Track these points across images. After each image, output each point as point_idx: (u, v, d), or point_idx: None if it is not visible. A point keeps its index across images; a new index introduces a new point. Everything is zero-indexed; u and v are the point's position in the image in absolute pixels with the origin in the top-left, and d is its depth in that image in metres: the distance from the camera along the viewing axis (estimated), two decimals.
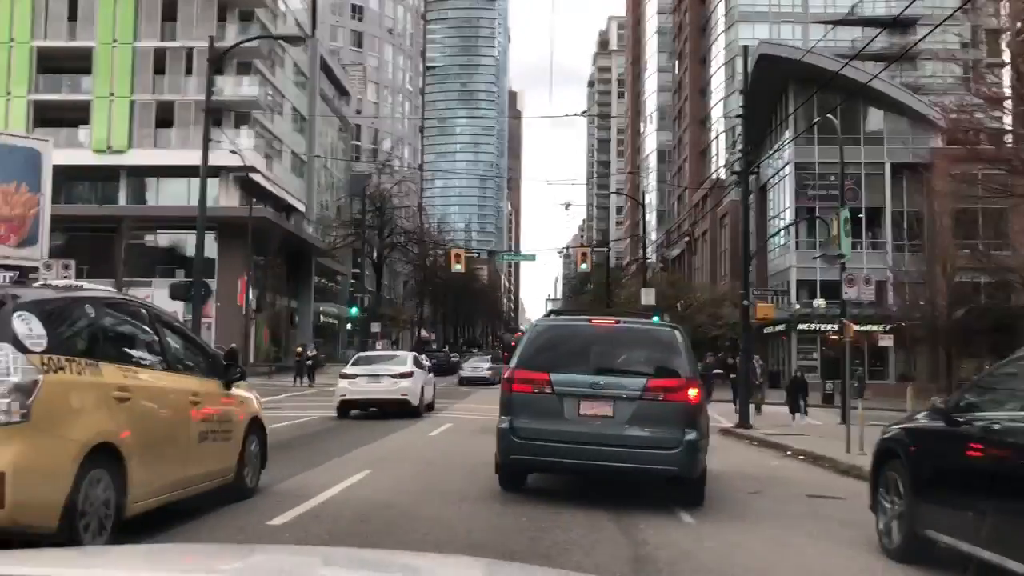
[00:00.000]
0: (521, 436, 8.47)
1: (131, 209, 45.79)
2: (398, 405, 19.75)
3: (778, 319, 42.24)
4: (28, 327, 5.17)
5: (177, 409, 6.79)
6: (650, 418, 8.30)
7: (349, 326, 54.70)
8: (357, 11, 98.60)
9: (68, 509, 5.11)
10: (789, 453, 15.95)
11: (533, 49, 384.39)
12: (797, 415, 23.69)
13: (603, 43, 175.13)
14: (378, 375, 20.13)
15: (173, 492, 6.64)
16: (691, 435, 8.23)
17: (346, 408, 19.98)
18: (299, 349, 37.78)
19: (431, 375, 24.62)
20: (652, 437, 8.25)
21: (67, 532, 5.07)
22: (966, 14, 69.85)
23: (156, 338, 6.84)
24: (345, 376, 20.39)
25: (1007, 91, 32.89)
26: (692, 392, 8.45)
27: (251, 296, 44.49)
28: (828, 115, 39.83)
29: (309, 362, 35.69)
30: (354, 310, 44.89)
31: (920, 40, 63.12)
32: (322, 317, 64.39)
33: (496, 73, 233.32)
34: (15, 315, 5.16)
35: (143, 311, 6.94)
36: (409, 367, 20.77)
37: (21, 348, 5.03)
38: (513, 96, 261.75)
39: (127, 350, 6.45)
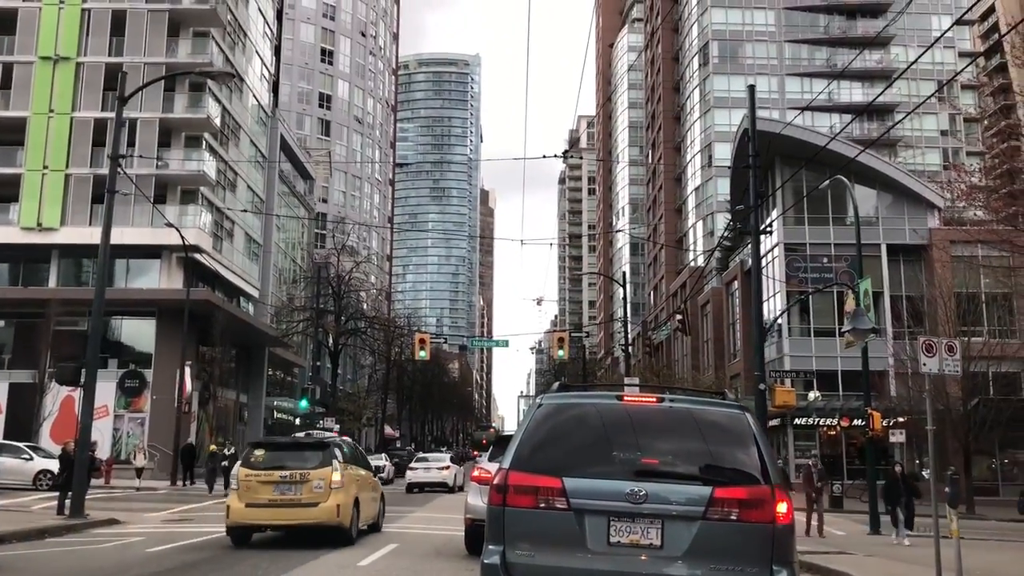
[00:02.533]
0: None
1: (59, 292, 41.44)
2: (441, 485, 30.27)
3: (772, 412, 38.44)
4: (337, 452, 14.50)
5: (368, 483, 16.25)
6: (720, 548, 5.52)
7: (298, 421, 50.13)
8: (325, 100, 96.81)
9: (350, 520, 14.05)
10: None
11: (505, 148, 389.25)
12: (899, 528, 19.23)
13: (574, 142, 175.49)
14: (429, 468, 31.07)
15: (368, 521, 15.81)
16: (783, 575, 5.51)
17: (412, 488, 32.31)
18: (212, 448, 32.46)
19: (459, 466, 34.36)
20: None
21: (350, 529, 14.11)
22: (941, 102, 69.64)
23: (356, 454, 16.87)
24: (412, 469, 33.43)
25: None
26: (781, 507, 5.61)
27: (192, 388, 40.04)
28: (818, 188, 36.88)
29: (225, 463, 30.44)
30: (303, 403, 40.37)
31: (896, 124, 62.25)
32: (276, 413, 59.57)
33: (468, 171, 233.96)
34: (335, 448, 14.67)
35: (350, 442, 17.67)
36: (447, 463, 31.80)
37: (338, 459, 14.27)
38: (485, 194, 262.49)
39: (353, 459, 15.74)
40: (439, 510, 23.73)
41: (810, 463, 22.49)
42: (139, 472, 31.73)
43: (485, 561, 5.71)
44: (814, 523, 20.21)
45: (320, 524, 13.65)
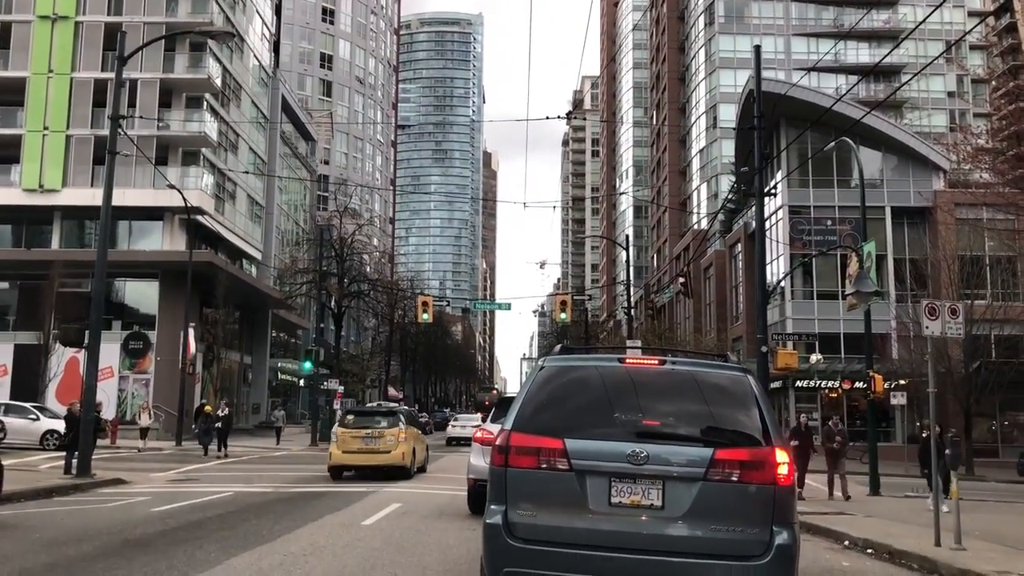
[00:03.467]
0: (522, 537, 5.59)
1: (62, 253, 41.43)
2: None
3: (773, 375, 38.54)
4: (401, 416, 21.54)
5: (420, 438, 22.97)
6: (721, 509, 5.51)
7: (302, 383, 50.26)
8: (326, 60, 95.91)
9: (410, 462, 20.55)
10: (848, 544, 11.94)
11: (508, 110, 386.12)
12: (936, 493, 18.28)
13: (577, 103, 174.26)
14: (464, 426, 31.26)
15: (421, 464, 22.21)
16: (783, 536, 5.47)
17: (451, 442, 35.85)
18: (207, 408, 31.82)
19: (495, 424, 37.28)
20: (724, 540, 5.47)
21: (411, 469, 20.51)
22: (949, 63, 68.88)
23: (412, 417, 26.39)
24: (451, 426, 40.16)
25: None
26: (782, 468, 5.58)
27: (196, 350, 40.20)
28: (824, 149, 36.64)
29: (218, 424, 29.93)
30: (307, 365, 40.40)
31: (902, 86, 61.60)
32: (280, 374, 59.88)
33: (471, 133, 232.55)
34: (400, 414, 21.93)
35: (407, 409, 28.77)
36: (478, 422, 29.53)
37: (402, 422, 21.03)
38: (488, 156, 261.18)
39: (411, 421, 22.89)
40: (442, 470, 23.92)
41: (830, 422, 21.52)
42: (144, 432, 31.77)
43: (487, 521, 5.72)
44: (837, 488, 19.50)
45: (391, 465, 20.01)
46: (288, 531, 11.04)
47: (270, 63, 61.18)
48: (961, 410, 34.90)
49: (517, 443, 5.73)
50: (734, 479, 5.51)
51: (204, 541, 10.07)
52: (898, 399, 33.14)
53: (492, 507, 5.73)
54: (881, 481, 22.07)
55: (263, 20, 58.99)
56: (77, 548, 9.53)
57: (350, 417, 21.66)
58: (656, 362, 6.17)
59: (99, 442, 27.15)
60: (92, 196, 41.66)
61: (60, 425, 24.45)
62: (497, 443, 5.89)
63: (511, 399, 8.69)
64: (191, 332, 37.82)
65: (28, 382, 37.56)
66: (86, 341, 19.08)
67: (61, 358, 35.49)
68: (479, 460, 12.59)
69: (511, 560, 5.57)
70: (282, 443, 37.74)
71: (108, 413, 34.49)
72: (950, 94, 70.24)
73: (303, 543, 10.05)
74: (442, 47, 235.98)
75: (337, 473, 20.14)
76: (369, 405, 26.54)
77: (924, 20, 21.56)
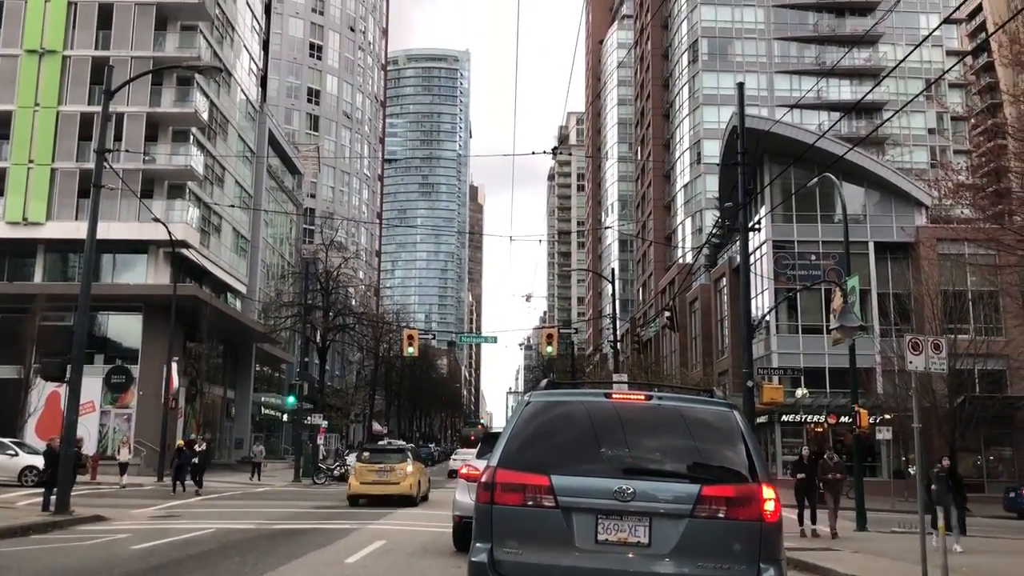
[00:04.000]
0: (507, 575, 5.55)
1: (45, 287, 41.14)
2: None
3: (759, 410, 38.54)
4: (409, 453, 25.48)
5: (423, 471, 26.29)
6: (708, 546, 5.51)
7: (285, 417, 49.89)
8: (313, 94, 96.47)
9: (416, 492, 23.91)
10: None
11: (494, 144, 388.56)
12: (952, 533, 16.40)
13: (563, 138, 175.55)
14: (466, 459, 26.64)
15: (424, 493, 25.41)
16: (770, 573, 5.49)
17: (451, 474, 35.80)
18: (180, 443, 30.51)
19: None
20: None
21: (416, 498, 23.85)
22: (929, 101, 69.94)
23: (417, 453, 30.68)
24: (453, 460, 38.87)
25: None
26: (769, 504, 5.59)
27: (179, 384, 39.84)
28: (807, 185, 36.96)
29: (195, 460, 28.76)
30: (291, 399, 40.15)
31: (884, 122, 62.44)
32: (263, 409, 59.39)
33: (457, 167, 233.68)
34: (408, 451, 25.95)
35: (412, 447, 30.79)
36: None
37: (410, 458, 24.83)
38: (474, 190, 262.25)
39: (416, 457, 26.41)
40: (427, 507, 23.70)
41: (825, 455, 20.60)
42: (123, 468, 31.16)
43: (473, 559, 5.66)
44: (822, 523, 18.90)
45: (400, 495, 23.44)
46: (271, 568, 10.89)
47: (257, 97, 61.43)
48: (947, 445, 34.92)
49: (503, 480, 5.69)
50: (721, 515, 5.50)
51: None
52: (884, 434, 33.22)
53: (478, 545, 5.68)
54: (868, 516, 22.00)
55: (250, 55, 59.32)
56: None
57: (366, 454, 25.67)
58: (642, 397, 6.16)
59: (79, 478, 26.80)
60: (76, 229, 41.65)
61: (39, 461, 24.08)
62: (483, 480, 5.84)
63: (498, 434, 8.65)
64: (174, 366, 37.52)
65: (8, 417, 37.06)
66: (68, 375, 18.87)
67: (42, 392, 35.11)
68: (464, 496, 12.49)
69: None
70: (264, 479, 37.32)
71: (89, 448, 34.01)
72: (931, 131, 71.22)
73: None
74: (429, 82, 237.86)
75: (354, 500, 23.84)
76: (381, 443, 30.57)
77: (904, 59, 21.90)
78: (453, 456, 48.98)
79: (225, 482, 33.96)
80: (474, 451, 43.42)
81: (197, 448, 29.72)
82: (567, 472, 5.65)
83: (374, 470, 23.71)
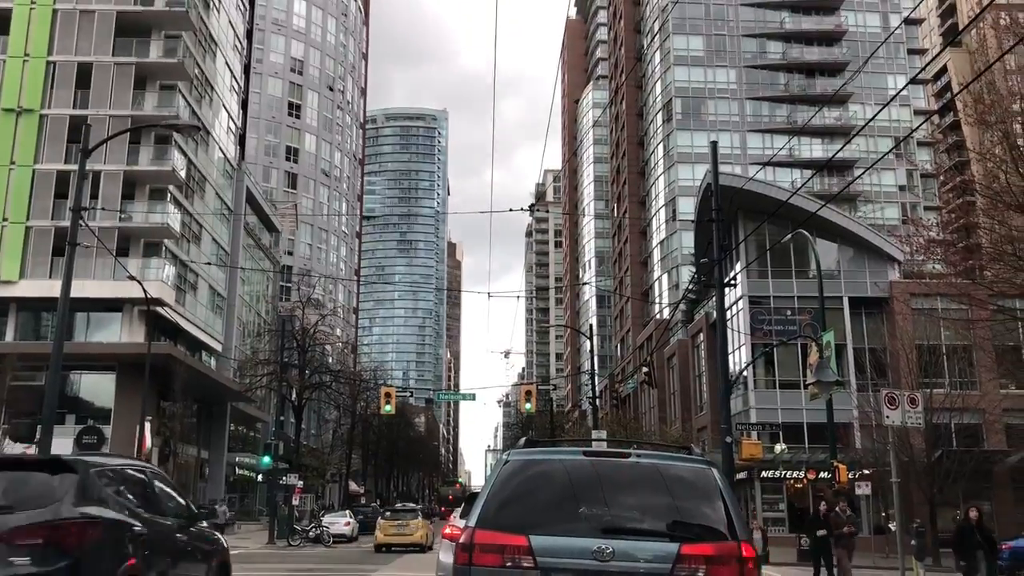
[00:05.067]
0: None
1: (17, 346, 40.58)
2: None
3: (739, 466, 38.40)
4: (420, 513, 35.37)
5: (429, 526, 34.44)
6: None
7: (260, 478, 49.09)
8: (292, 153, 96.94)
9: (426, 541, 31.57)
10: None
11: (472, 202, 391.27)
12: None
13: (540, 195, 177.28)
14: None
15: (430, 543, 31.30)
16: None
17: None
18: None
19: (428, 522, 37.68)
20: None
21: (426, 546, 30.87)
22: (898, 158, 71.42)
23: (425, 511, 41.92)
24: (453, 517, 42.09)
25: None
26: (748, 563, 5.59)
27: (152, 444, 39.17)
28: (781, 242, 37.44)
29: None
30: (266, 459, 39.54)
31: (855, 180, 63.73)
32: (237, 469, 58.45)
33: (435, 224, 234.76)
34: (419, 511, 36.00)
35: (421, 507, 43.04)
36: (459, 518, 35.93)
37: (420, 516, 34.73)
38: (452, 247, 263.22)
39: (425, 515, 36.41)
40: (404, 569, 23.25)
41: (837, 507, 18.99)
42: None
43: None
44: None
45: (414, 543, 30.64)
46: None
47: (235, 156, 61.66)
48: (926, 499, 34.88)
49: (481, 540, 5.67)
50: (700, 574, 5.48)
51: None
52: (863, 489, 33.09)
53: None
54: (855, 573, 21.79)
55: (229, 114, 59.70)
56: None
57: (388, 513, 34.35)
58: (621, 455, 6.15)
59: None
60: (50, 287, 41.12)
61: None
62: (461, 541, 5.81)
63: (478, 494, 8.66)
64: (147, 426, 36.87)
65: None
66: (37, 436, 18.51)
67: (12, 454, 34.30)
68: (447, 557, 12.30)
69: None
70: (238, 540, 36.46)
71: None
72: (901, 188, 72.58)
73: None
74: (407, 140, 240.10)
75: (379, 548, 30.67)
76: (398, 506, 39.65)
77: (873, 118, 22.41)
78: (453, 515, 50.10)
79: None
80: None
81: None
82: (546, 532, 5.62)
83: (394, 525, 31.41)
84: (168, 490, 9.12)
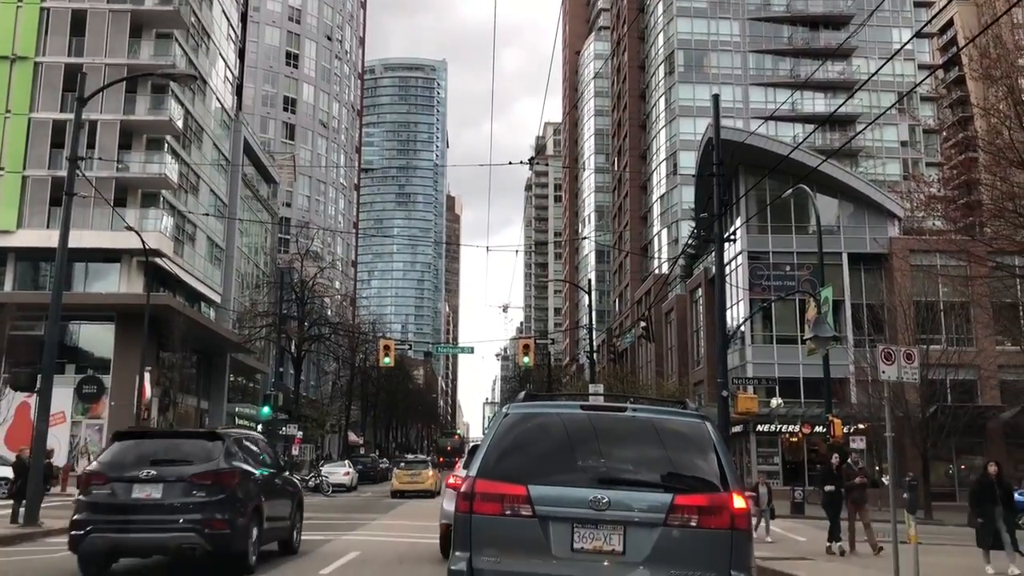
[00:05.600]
0: None
1: (15, 295, 40.56)
2: None
3: (735, 419, 38.68)
4: (430, 463, 41.86)
5: (437, 475, 38.33)
6: (680, 554, 5.67)
7: (260, 428, 49.20)
8: (289, 103, 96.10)
9: (436, 488, 34.94)
10: None
11: (471, 155, 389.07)
12: (1007, 548, 14.41)
13: (540, 149, 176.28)
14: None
15: (438, 489, 31.79)
16: None
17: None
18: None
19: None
20: None
21: (435, 492, 33.51)
22: (901, 114, 70.83)
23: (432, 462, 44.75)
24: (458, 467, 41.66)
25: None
26: (739, 513, 5.79)
27: (152, 394, 39.40)
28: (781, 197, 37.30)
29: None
30: (265, 410, 39.89)
31: (857, 135, 63.13)
32: (237, 419, 58.83)
33: (434, 177, 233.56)
34: (430, 462, 43.08)
35: (430, 458, 49.98)
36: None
37: (431, 466, 40.65)
38: (451, 200, 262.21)
39: (434, 465, 42.21)
40: (405, 516, 23.55)
41: (849, 459, 18.19)
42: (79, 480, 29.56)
43: (452, 567, 5.78)
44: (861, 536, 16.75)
45: (426, 489, 35.18)
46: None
47: (232, 106, 61.08)
48: (919, 454, 35.27)
49: (482, 490, 5.85)
50: (693, 524, 5.67)
51: None
52: (857, 443, 33.41)
53: (457, 553, 5.82)
54: (843, 526, 22.05)
55: (226, 63, 59.02)
56: None
57: (402, 464, 39.43)
58: (618, 409, 6.35)
59: (53, 489, 26.36)
60: (48, 238, 41.08)
61: (9, 472, 23.68)
62: (462, 490, 6.00)
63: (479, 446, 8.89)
64: (147, 376, 37.08)
65: None
66: (38, 385, 18.60)
67: (11, 403, 34.53)
68: (450, 505, 12.67)
69: None
70: None
71: (60, 459, 33.51)
72: (903, 143, 72.12)
73: None
74: (406, 92, 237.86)
75: (395, 494, 35.24)
76: (410, 457, 44.29)
77: (876, 72, 22.15)
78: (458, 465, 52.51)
79: None
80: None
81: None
82: (544, 482, 5.80)
83: (408, 475, 36.82)
84: (267, 450, 13.87)
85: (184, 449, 11.27)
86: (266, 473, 12.35)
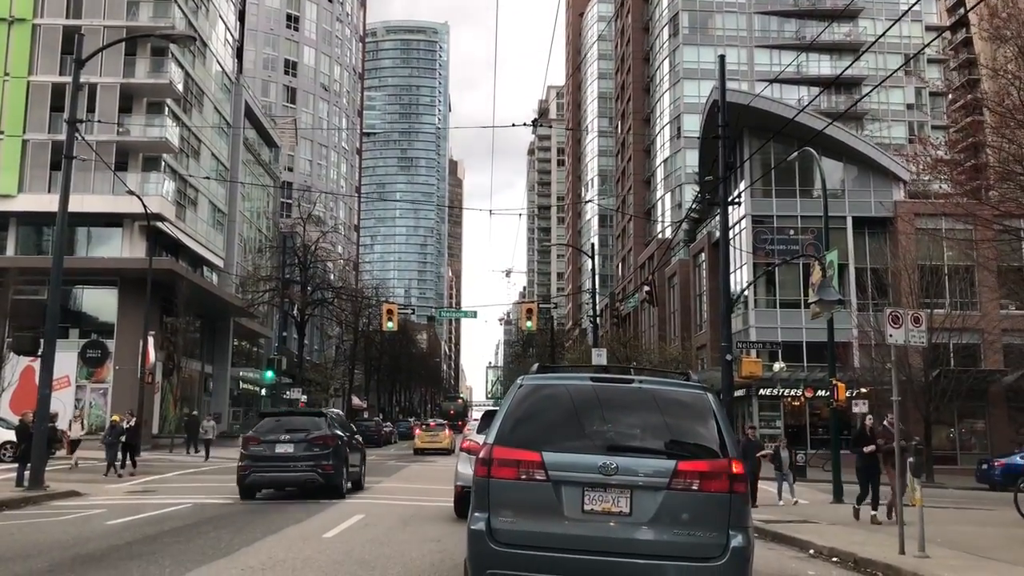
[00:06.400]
0: (503, 542, 6.21)
1: (17, 260, 40.50)
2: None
3: (738, 383, 38.74)
4: (446, 426, 48.08)
5: (452, 435, 44.78)
6: (682, 516, 6.15)
7: (264, 392, 49.72)
8: (291, 66, 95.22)
9: (451, 446, 40.61)
10: (813, 553, 11.94)
11: (474, 119, 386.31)
12: None
13: (543, 112, 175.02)
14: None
15: (453, 448, 38.78)
16: (738, 539, 6.10)
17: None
18: (115, 418, 27.20)
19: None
20: (686, 543, 6.09)
21: (451, 451, 39.45)
22: (908, 76, 70.07)
23: (447, 426, 48.64)
24: (468, 430, 43.04)
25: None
26: (737, 478, 6.25)
27: (156, 358, 39.47)
28: (786, 160, 36.99)
29: (123, 437, 25.63)
30: (269, 374, 40.02)
31: (863, 97, 62.46)
32: (241, 383, 59.10)
33: (436, 141, 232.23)
34: (446, 424, 49.28)
35: (445, 422, 52.71)
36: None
37: (447, 427, 47.71)
38: (453, 164, 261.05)
39: (450, 428, 49.00)
40: (409, 479, 23.68)
41: (885, 421, 16.19)
42: (74, 445, 28.78)
43: (472, 527, 6.25)
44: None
45: (443, 447, 42.18)
46: (247, 544, 10.80)
47: (233, 69, 60.54)
48: (921, 418, 35.34)
49: (499, 456, 6.32)
50: (694, 488, 6.12)
51: (160, 555, 9.80)
52: (860, 407, 33.40)
53: (476, 514, 6.28)
54: (844, 488, 22.18)
55: (226, 25, 58.40)
56: (25, 565, 9.21)
57: (424, 427, 45.87)
58: (625, 381, 6.91)
59: (59, 453, 26.50)
60: (49, 202, 40.78)
61: (12, 435, 23.76)
62: (480, 456, 6.48)
63: (495, 412, 9.65)
64: (151, 341, 37.07)
65: None
66: (41, 349, 18.60)
67: (16, 367, 34.63)
68: (465, 468, 13.11)
69: (494, 562, 6.12)
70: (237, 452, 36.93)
71: (64, 423, 33.60)
72: (909, 106, 71.43)
73: (262, 556, 9.82)
74: (408, 55, 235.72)
75: (417, 452, 41.81)
76: (430, 421, 50.75)
77: (883, 34, 21.83)
78: (467, 429, 55.01)
79: (165, 462, 33.76)
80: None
81: (126, 425, 26.26)
82: (556, 449, 6.26)
83: (429, 435, 43.38)
84: (346, 422, 20.98)
85: (303, 422, 17.91)
86: (347, 436, 18.71)
